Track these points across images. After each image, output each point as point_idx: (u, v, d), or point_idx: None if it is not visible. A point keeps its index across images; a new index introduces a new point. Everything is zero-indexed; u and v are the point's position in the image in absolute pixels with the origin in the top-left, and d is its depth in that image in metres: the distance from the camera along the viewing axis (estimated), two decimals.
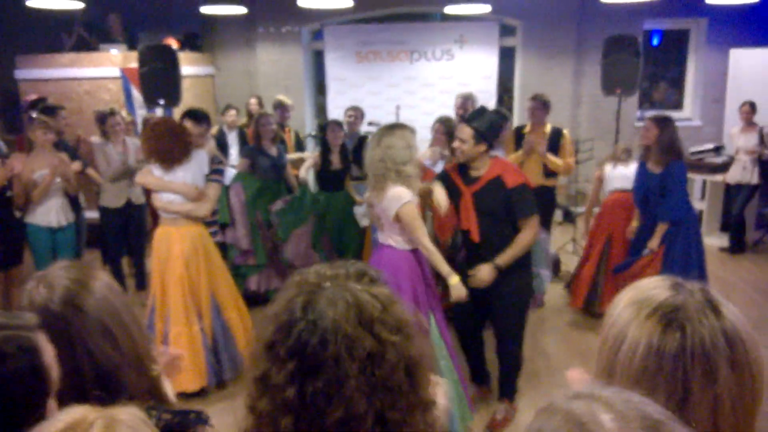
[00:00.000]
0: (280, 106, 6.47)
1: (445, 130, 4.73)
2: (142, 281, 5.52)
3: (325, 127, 5.57)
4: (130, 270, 5.76)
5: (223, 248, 4.92)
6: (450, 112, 5.71)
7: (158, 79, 5.66)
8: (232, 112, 6.67)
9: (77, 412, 0.84)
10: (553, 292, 5.61)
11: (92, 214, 5.70)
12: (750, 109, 6.58)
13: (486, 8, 6.70)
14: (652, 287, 1.05)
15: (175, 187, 3.84)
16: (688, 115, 8.43)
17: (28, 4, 5.50)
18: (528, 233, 3.31)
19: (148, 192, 4.82)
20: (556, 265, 6.08)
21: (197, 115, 4.17)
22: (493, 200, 3.30)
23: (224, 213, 5.06)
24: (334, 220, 5.39)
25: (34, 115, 5.25)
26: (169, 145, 3.76)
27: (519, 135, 5.28)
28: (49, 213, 4.74)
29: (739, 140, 6.69)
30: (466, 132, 3.28)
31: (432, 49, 8.27)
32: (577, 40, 8.10)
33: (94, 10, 7.20)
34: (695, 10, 7.87)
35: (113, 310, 1.33)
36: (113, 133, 5.14)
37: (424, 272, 3.34)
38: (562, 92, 8.09)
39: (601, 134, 7.91)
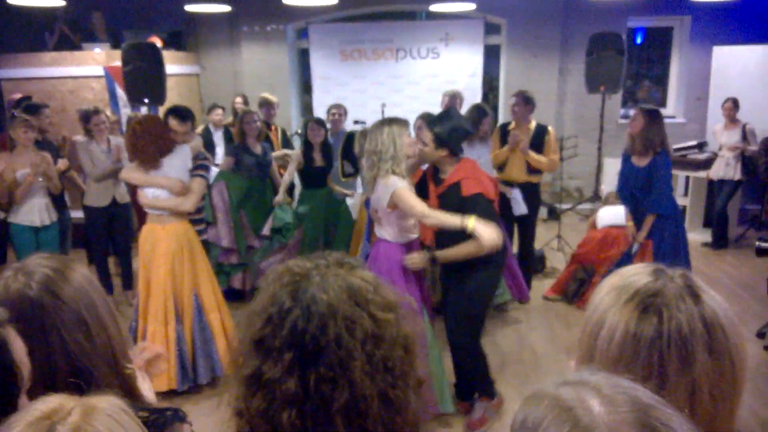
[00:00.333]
0: (266, 104, 6.44)
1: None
2: (128, 281, 5.48)
3: (306, 125, 5.58)
4: (116, 270, 5.72)
5: (207, 246, 4.90)
6: (436, 109, 5.70)
7: (142, 77, 5.62)
8: (218, 111, 6.65)
9: (54, 400, 0.83)
10: (540, 288, 5.65)
11: (78, 214, 5.66)
12: (732, 105, 6.65)
13: (471, 6, 6.71)
14: (633, 273, 1.05)
15: (160, 182, 3.82)
16: (671, 112, 8.50)
17: (10, 2, 5.43)
18: (472, 244, 3.17)
19: (133, 190, 4.79)
20: (541, 262, 6.12)
21: (181, 113, 4.13)
22: (450, 205, 3.26)
23: (209, 211, 5.05)
24: (318, 216, 5.38)
25: (16, 113, 5.19)
26: (152, 144, 3.74)
27: (504, 132, 5.31)
28: (32, 212, 4.70)
29: (722, 137, 6.76)
30: (427, 136, 3.29)
31: (417, 48, 8.28)
32: (561, 38, 8.15)
33: (77, 8, 7.15)
34: (678, 8, 7.94)
35: (90, 302, 1.32)
36: (97, 132, 5.10)
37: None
38: (547, 90, 8.13)
39: (585, 132, 7.97)
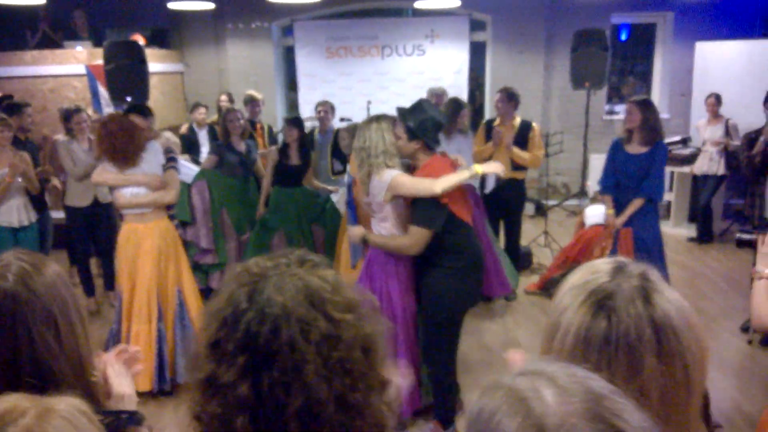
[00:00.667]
0: (251, 101, 6.41)
1: None
2: (111, 281, 5.41)
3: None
4: (98, 271, 5.67)
5: (185, 245, 4.86)
6: None
7: (125, 76, 5.56)
8: (202, 109, 6.60)
9: (9, 400, 0.81)
10: (527, 285, 5.66)
11: (59, 215, 5.59)
12: (715, 101, 6.69)
13: (456, 3, 6.71)
14: (593, 271, 1.03)
15: (140, 179, 3.80)
16: None
17: None
18: (405, 239, 3.17)
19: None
20: (527, 258, 6.13)
21: (143, 110, 4.15)
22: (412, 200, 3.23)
23: (184, 211, 4.99)
24: (292, 216, 5.31)
25: None
26: (125, 143, 3.71)
27: (489, 128, 5.31)
28: (11, 212, 4.64)
29: (705, 132, 6.80)
30: (399, 128, 3.23)
31: (403, 45, 8.27)
32: (546, 34, 8.17)
33: (58, 6, 7.07)
34: (661, 4, 7.99)
35: (62, 301, 1.30)
36: (78, 131, 5.05)
37: (407, 270, 3.38)
38: (533, 86, 8.16)
39: (571, 128, 7.99)
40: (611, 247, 4.50)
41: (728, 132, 6.64)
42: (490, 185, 5.13)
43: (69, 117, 5.13)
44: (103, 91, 6.56)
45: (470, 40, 8.22)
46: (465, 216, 3.24)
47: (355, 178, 3.74)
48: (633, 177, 4.32)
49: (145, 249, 3.84)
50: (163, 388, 3.89)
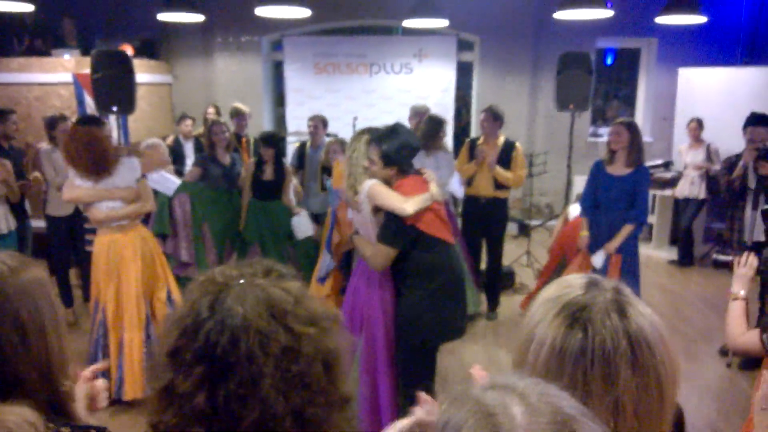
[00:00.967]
0: (237, 114, 6.40)
1: None
2: (89, 292, 5.36)
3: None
4: (77, 281, 5.60)
5: (165, 257, 4.84)
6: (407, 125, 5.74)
7: (112, 85, 5.53)
8: (188, 121, 6.59)
9: None
10: (509, 305, 5.66)
11: (39, 223, 5.53)
12: (697, 126, 6.80)
13: (444, 23, 6.77)
14: (567, 285, 1.04)
15: (117, 193, 3.77)
16: None
17: None
18: (368, 250, 3.13)
19: None
20: (510, 278, 6.14)
21: (96, 120, 3.98)
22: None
23: (162, 224, 4.96)
24: (269, 228, 5.30)
25: None
26: (105, 152, 3.68)
27: (473, 146, 5.34)
28: None
29: (687, 156, 6.90)
30: (374, 153, 3.09)
31: (391, 63, 8.33)
32: (533, 56, 8.27)
33: (47, 14, 7.05)
34: (646, 30, 8.11)
35: (34, 307, 1.28)
36: (62, 140, 5.01)
37: (391, 294, 3.29)
38: (519, 107, 8.24)
39: (556, 149, 8.06)
40: (590, 271, 4.52)
41: (710, 156, 6.73)
42: (459, 193, 5.19)
43: (53, 125, 5.11)
44: (89, 100, 6.53)
45: (458, 60, 8.30)
46: (441, 233, 3.12)
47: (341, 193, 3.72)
48: (614, 198, 4.35)
49: (128, 257, 3.82)
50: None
